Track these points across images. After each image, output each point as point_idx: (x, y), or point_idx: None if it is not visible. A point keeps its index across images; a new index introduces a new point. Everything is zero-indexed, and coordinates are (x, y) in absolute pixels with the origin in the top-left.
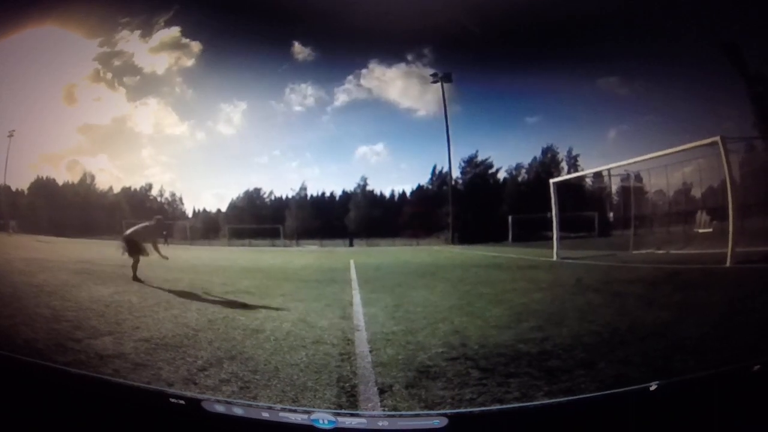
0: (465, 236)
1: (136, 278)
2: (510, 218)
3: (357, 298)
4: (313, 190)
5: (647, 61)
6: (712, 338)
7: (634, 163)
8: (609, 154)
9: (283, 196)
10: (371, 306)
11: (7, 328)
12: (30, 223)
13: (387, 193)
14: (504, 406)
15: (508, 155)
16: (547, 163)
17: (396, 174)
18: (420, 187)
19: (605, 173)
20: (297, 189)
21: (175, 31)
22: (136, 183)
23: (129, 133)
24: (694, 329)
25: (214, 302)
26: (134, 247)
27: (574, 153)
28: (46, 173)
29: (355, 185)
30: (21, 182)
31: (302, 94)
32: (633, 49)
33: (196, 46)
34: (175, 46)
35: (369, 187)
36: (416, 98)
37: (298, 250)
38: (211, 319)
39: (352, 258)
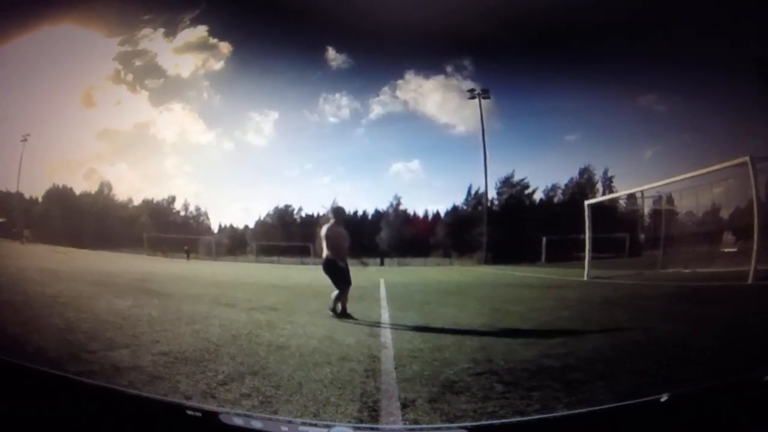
0: (498, 256)
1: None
2: (544, 239)
3: (385, 315)
4: (344, 207)
5: (680, 79)
6: (727, 349)
7: (668, 184)
8: (643, 175)
9: (314, 213)
10: (399, 323)
11: (18, 336)
12: (44, 233)
13: (420, 213)
14: (522, 418)
15: (544, 175)
16: (583, 184)
17: (430, 192)
18: (455, 208)
19: (638, 194)
20: (328, 206)
21: (201, 31)
22: (159, 194)
23: (151, 141)
24: (711, 341)
25: (238, 318)
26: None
27: (609, 174)
28: (62, 181)
29: (388, 204)
30: (35, 190)
31: (337, 105)
32: (667, 68)
33: (224, 48)
34: (201, 46)
35: (402, 206)
36: (454, 113)
37: None
38: (234, 335)
39: (382, 276)
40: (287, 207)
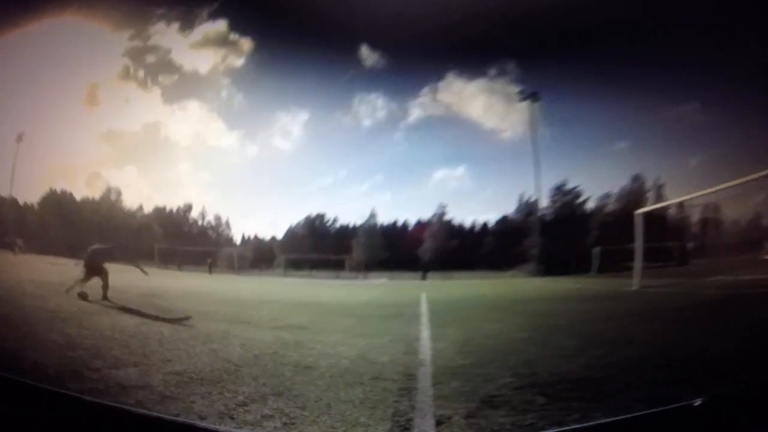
0: (549, 268)
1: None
2: (595, 250)
3: (425, 332)
4: (383, 218)
5: (722, 87)
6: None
7: (713, 192)
8: (689, 183)
9: (350, 224)
10: (440, 341)
11: (15, 351)
12: (40, 243)
13: (467, 224)
14: (560, 429)
15: (596, 183)
16: (635, 192)
17: (478, 202)
18: (504, 218)
19: (686, 203)
20: (366, 216)
21: (221, 25)
22: (172, 203)
23: (163, 143)
24: (750, 347)
25: (262, 337)
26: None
27: (660, 182)
28: (61, 186)
29: (432, 214)
30: (31, 195)
31: (372, 106)
32: (709, 76)
33: (246, 44)
34: (221, 42)
35: (447, 217)
36: (501, 118)
37: (364, 284)
38: (257, 355)
39: (423, 292)
40: (320, 217)
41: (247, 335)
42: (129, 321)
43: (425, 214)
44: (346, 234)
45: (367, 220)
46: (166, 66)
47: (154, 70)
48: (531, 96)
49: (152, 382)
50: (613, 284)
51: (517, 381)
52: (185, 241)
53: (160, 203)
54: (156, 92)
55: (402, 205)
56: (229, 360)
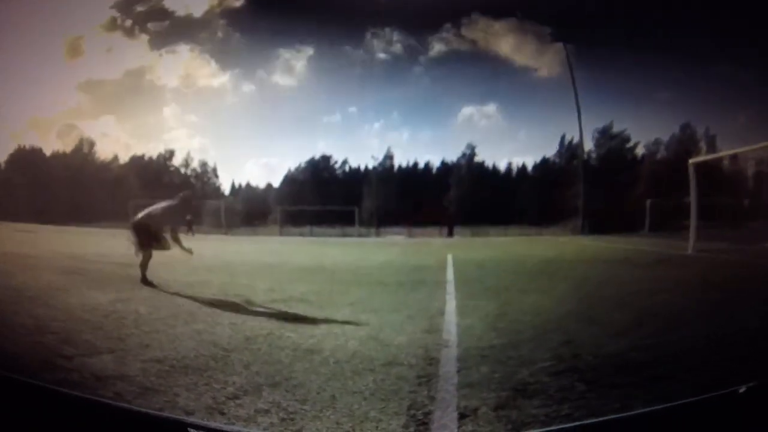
0: (596, 225)
1: (145, 280)
2: (648, 203)
3: (450, 305)
4: (401, 159)
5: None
6: None
7: None
8: (741, 137)
9: (361, 167)
10: (468, 316)
11: None
12: (5, 207)
13: (502, 167)
14: (595, 420)
15: (643, 129)
16: (686, 141)
17: (513, 144)
18: (545, 161)
19: (740, 155)
20: (380, 158)
21: None
22: (152, 150)
23: (147, 89)
24: None
25: (254, 314)
26: (148, 238)
27: (711, 132)
28: (31, 141)
29: (459, 155)
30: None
31: (386, 40)
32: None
33: None
34: None
35: (478, 158)
36: (533, 56)
37: (377, 242)
38: (249, 336)
39: (450, 252)
40: (325, 159)
41: (238, 311)
42: (102, 298)
43: (451, 155)
44: (355, 179)
45: (382, 162)
46: (157, 13)
47: (144, 18)
48: (564, 38)
49: (130, 372)
50: (666, 245)
51: (557, 365)
52: (165, 193)
53: (139, 152)
54: (143, 39)
55: (423, 145)
56: (217, 344)
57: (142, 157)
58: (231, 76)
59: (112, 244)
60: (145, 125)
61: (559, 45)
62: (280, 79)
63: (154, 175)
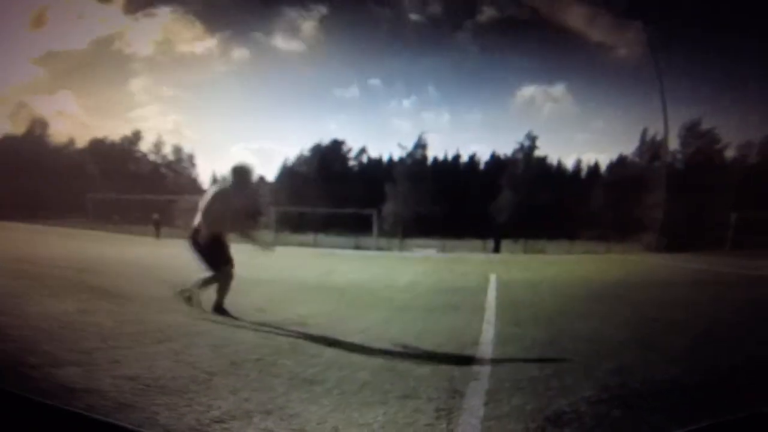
0: (674, 241)
1: (221, 310)
2: (733, 217)
3: (488, 334)
4: (437, 149)
5: None
6: None
7: None
8: None
9: (384, 157)
10: (509, 344)
11: None
12: None
13: (569, 164)
14: None
15: (733, 128)
16: None
17: (585, 134)
18: (622, 160)
19: None
20: (409, 146)
21: None
22: (115, 131)
23: (112, 58)
24: None
25: (240, 337)
26: (217, 250)
27: None
28: None
29: (516, 146)
30: None
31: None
32: None
33: None
34: None
35: (539, 151)
36: (609, 33)
37: (401, 257)
38: (235, 361)
39: (493, 271)
40: (336, 146)
41: (220, 333)
42: (59, 307)
43: (504, 147)
44: (376, 174)
45: (411, 153)
46: None
47: None
48: (642, 15)
49: (101, 386)
50: (746, 266)
51: (600, 393)
52: (130, 186)
53: (99, 134)
54: (117, 2)
55: (467, 131)
56: (196, 366)
57: (102, 141)
58: (220, 40)
59: (68, 246)
60: (108, 101)
61: (636, 23)
62: (282, 42)
63: (118, 162)
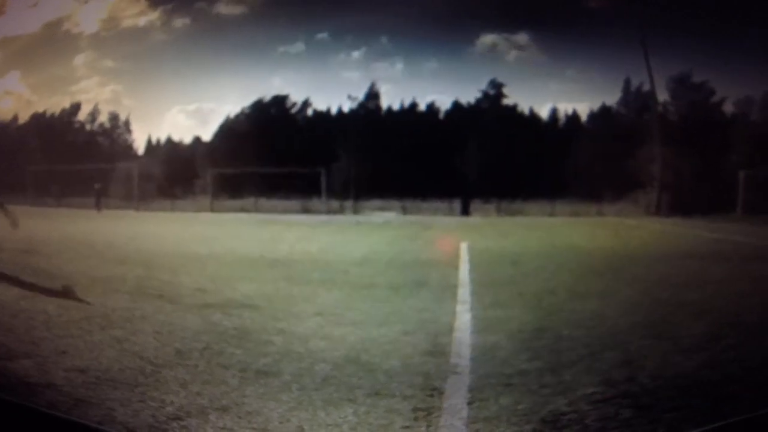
0: (677, 202)
1: None
2: (741, 175)
3: (465, 317)
4: (391, 98)
5: None
6: None
7: None
8: None
9: (331, 109)
10: (490, 331)
11: None
12: None
13: (543, 113)
14: None
15: (728, 80)
16: None
17: (556, 84)
18: (606, 110)
19: None
20: (360, 96)
21: None
22: (55, 105)
23: (61, 39)
24: None
25: (184, 322)
26: None
27: None
28: None
29: (479, 93)
30: None
31: None
32: None
33: None
34: None
35: (507, 100)
36: None
37: (356, 222)
38: (180, 350)
39: (464, 239)
40: (279, 101)
41: (162, 318)
42: (5, 293)
43: (467, 96)
44: (324, 128)
45: (363, 103)
46: None
47: None
48: None
49: (55, 380)
50: (763, 234)
51: (605, 390)
52: (68, 156)
53: (41, 108)
54: None
55: (424, 81)
56: (142, 356)
57: (43, 115)
58: (162, 12)
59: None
60: (52, 77)
61: None
62: (225, 8)
63: (56, 134)
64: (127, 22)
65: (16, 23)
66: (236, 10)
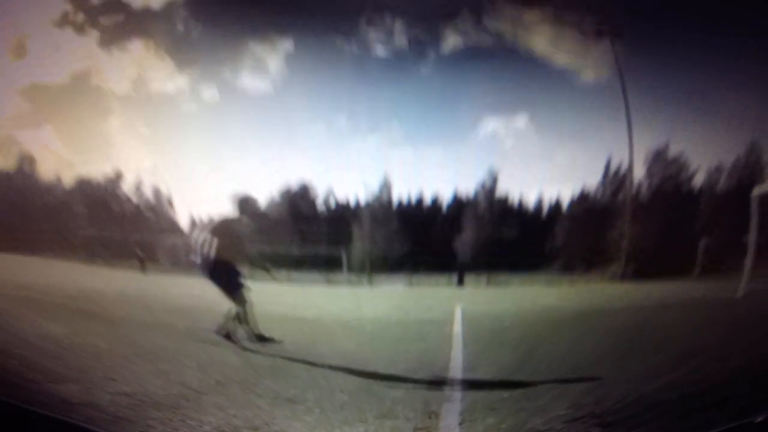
0: (641, 269)
1: (262, 338)
2: (702, 244)
3: (458, 360)
4: (401, 190)
5: None
6: None
7: None
8: None
9: (350, 200)
10: (478, 370)
11: None
12: None
13: (531, 199)
14: None
15: (705, 150)
16: (752, 165)
17: (547, 169)
18: (584, 195)
19: None
20: (375, 187)
21: None
22: (97, 169)
23: (91, 93)
24: None
25: (226, 359)
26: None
27: None
28: None
29: (477, 184)
30: None
31: (387, 31)
32: None
33: None
34: None
35: (501, 190)
36: (575, 55)
37: (370, 291)
38: (221, 381)
39: (459, 303)
40: (304, 190)
41: (206, 356)
42: (58, 330)
43: (466, 184)
44: (343, 215)
45: (377, 194)
46: (113, 6)
47: (97, 11)
48: (613, 32)
49: (99, 402)
50: (716, 289)
51: (575, 412)
52: (116, 225)
53: (83, 172)
54: (93, 35)
55: (431, 166)
56: (186, 384)
57: (88, 181)
58: (189, 78)
59: (64, 276)
60: (89, 137)
61: (606, 43)
62: (249, 80)
63: (103, 204)
64: (156, 86)
65: (41, 69)
66: (259, 84)
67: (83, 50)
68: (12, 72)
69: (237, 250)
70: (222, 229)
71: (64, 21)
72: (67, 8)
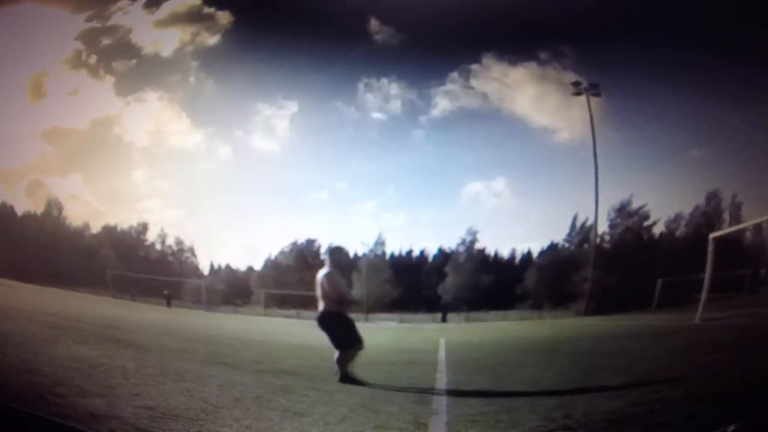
0: (602, 306)
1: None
2: (659, 282)
3: (442, 380)
4: (394, 245)
5: None
6: None
7: None
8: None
9: (350, 253)
10: (459, 389)
11: None
12: None
13: (505, 254)
14: None
15: (666, 200)
16: (710, 213)
17: (522, 228)
18: (553, 247)
19: (766, 224)
20: (371, 243)
21: None
22: (124, 220)
23: (114, 144)
24: None
25: (242, 380)
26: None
27: (737, 200)
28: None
29: (459, 241)
30: None
31: (383, 95)
32: None
33: (223, 18)
34: (192, 17)
35: (479, 245)
36: (555, 114)
37: (367, 327)
38: (238, 398)
39: (442, 336)
40: (310, 244)
41: (225, 377)
42: (88, 352)
43: (450, 241)
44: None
45: (373, 250)
46: (124, 48)
47: (109, 53)
48: (590, 88)
49: (122, 414)
50: (673, 319)
51: (547, 424)
52: (142, 269)
53: (111, 221)
54: (109, 81)
55: (421, 228)
56: (206, 401)
57: (114, 228)
58: (205, 136)
59: (95, 308)
60: (116, 189)
61: (582, 99)
62: (260, 143)
63: (129, 248)
64: (175, 141)
65: (61, 113)
66: (269, 146)
67: (101, 96)
68: (34, 114)
69: (344, 300)
70: (332, 282)
71: (77, 62)
72: (80, 47)
